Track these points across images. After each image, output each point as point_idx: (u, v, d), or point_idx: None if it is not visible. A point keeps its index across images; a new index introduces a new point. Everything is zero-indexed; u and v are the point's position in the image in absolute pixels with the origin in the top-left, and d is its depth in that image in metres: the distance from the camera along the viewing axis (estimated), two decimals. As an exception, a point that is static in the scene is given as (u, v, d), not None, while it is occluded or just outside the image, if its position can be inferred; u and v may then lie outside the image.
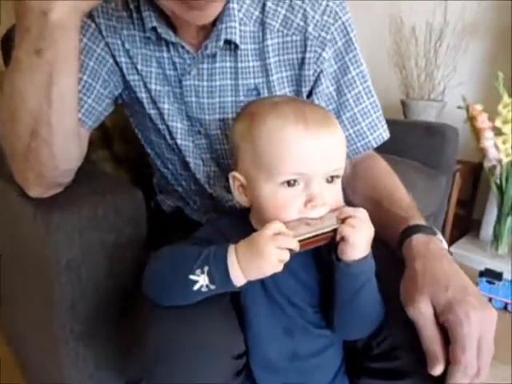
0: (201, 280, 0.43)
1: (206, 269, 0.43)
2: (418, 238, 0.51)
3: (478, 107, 1.54)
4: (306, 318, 0.51)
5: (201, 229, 0.54)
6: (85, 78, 0.60)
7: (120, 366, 0.65)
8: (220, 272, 0.43)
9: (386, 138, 0.70)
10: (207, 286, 0.44)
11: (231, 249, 0.44)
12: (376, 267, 0.47)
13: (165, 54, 0.63)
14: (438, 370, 0.43)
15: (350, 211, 0.46)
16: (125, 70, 0.64)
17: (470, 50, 1.75)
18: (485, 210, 1.77)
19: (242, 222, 0.53)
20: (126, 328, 0.51)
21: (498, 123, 1.48)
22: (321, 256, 0.50)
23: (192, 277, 0.44)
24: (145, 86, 0.65)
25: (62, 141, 0.54)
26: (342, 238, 0.45)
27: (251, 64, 0.63)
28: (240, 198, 0.51)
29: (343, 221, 0.45)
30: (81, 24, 0.51)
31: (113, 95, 0.67)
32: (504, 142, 1.48)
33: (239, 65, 0.62)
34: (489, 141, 1.52)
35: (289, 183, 0.46)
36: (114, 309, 0.63)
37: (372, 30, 1.87)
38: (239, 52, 0.62)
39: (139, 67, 0.64)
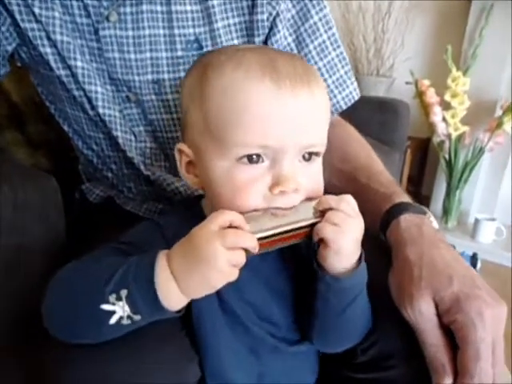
0: (118, 310, 0.31)
1: (123, 293, 0.31)
2: (406, 219, 0.42)
3: (426, 82, 1.53)
4: (277, 336, 0.40)
5: (135, 227, 0.40)
6: None
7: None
8: (144, 295, 0.31)
9: (356, 98, 0.60)
10: (129, 316, 0.31)
11: (161, 258, 0.31)
12: None
13: (72, -5, 0.48)
14: (446, 383, 0.34)
15: (332, 201, 0.34)
16: (17, 16, 0.48)
17: (416, 25, 1.74)
18: (433, 186, 1.79)
19: (196, 217, 0.39)
20: (32, 367, 0.36)
21: (447, 97, 1.47)
22: (298, 251, 0.39)
23: (105, 306, 0.31)
24: (48, 37, 0.49)
25: None
26: (322, 240, 0.34)
27: (189, 8, 0.50)
28: (188, 179, 0.39)
29: (323, 213, 0.34)
30: None
31: (4, 51, 0.51)
32: (453, 116, 1.48)
33: (173, 8, 0.50)
34: (437, 116, 1.53)
35: (250, 159, 0.34)
36: (19, 338, 0.48)
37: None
38: None
39: (36, 11, 0.48)
